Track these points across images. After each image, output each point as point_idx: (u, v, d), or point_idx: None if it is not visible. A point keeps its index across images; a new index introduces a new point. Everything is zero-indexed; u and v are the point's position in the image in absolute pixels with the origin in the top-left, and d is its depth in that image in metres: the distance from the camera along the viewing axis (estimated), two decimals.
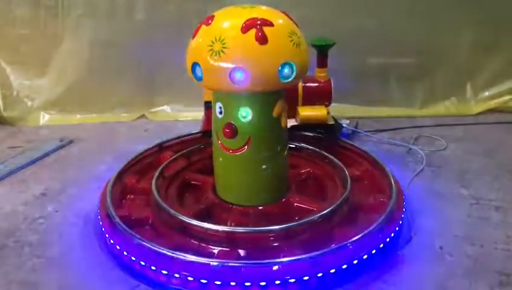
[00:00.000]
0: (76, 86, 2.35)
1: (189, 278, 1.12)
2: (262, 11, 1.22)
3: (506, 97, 2.35)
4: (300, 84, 1.79)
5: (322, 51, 1.80)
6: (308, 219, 1.27)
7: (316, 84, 1.84)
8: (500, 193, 1.57)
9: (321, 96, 1.83)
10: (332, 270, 1.13)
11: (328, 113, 1.79)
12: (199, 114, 2.34)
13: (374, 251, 1.20)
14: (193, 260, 1.13)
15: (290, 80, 1.22)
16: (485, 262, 1.23)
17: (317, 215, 1.28)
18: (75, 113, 2.39)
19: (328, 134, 1.78)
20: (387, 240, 1.25)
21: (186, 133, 1.88)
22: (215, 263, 1.12)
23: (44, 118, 2.37)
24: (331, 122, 1.81)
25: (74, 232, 1.40)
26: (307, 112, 1.78)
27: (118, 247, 1.25)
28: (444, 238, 1.33)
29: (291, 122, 1.71)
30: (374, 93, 2.34)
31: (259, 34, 1.15)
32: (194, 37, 1.25)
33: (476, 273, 1.19)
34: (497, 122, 2.21)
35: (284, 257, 1.14)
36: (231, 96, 1.27)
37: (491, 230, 1.37)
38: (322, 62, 1.82)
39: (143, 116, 2.40)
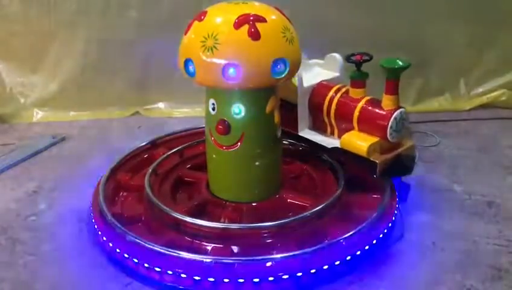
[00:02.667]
0: (70, 83, 2.33)
1: (183, 275, 1.12)
2: (255, 7, 1.21)
3: (499, 92, 2.36)
4: (361, 105, 1.38)
5: (395, 75, 1.31)
6: (302, 215, 1.27)
7: (375, 111, 1.35)
8: (493, 189, 1.57)
9: (374, 126, 1.36)
10: (326, 267, 1.13)
11: (371, 149, 1.33)
12: (193, 111, 2.35)
13: (367, 247, 1.20)
14: (186, 257, 1.13)
15: (282, 76, 1.21)
16: (477, 257, 1.24)
17: (310, 212, 1.28)
18: (68, 110, 2.37)
19: (367, 170, 1.37)
20: (380, 236, 1.25)
21: (179, 130, 1.87)
22: (209, 260, 1.12)
23: (37, 115, 2.35)
24: (375, 159, 1.34)
25: (67, 229, 1.39)
26: (351, 138, 1.38)
27: (110, 244, 1.24)
28: (436, 233, 1.34)
29: (334, 143, 1.43)
30: (368, 90, 2.34)
31: (252, 30, 1.15)
32: (186, 33, 1.24)
33: (468, 268, 1.20)
34: (491, 118, 2.22)
35: (277, 253, 1.15)
36: (224, 92, 1.27)
37: (484, 225, 1.38)
38: (392, 88, 1.32)
39: (136, 113, 2.39)
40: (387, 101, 1.31)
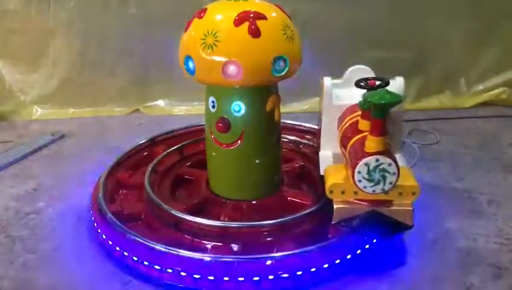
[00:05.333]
0: (69, 80, 2.34)
1: (182, 274, 1.12)
2: (255, 4, 1.21)
3: (500, 90, 2.35)
4: (354, 139, 1.14)
5: (382, 112, 1.03)
6: (302, 213, 1.27)
7: (356, 150, 1.12)
8: (493, 187, 1.57)
9: (350, 168, 1.12)
10: (326, 265, 1.13)
11: (334, 189, 1.14)
12: (192, 108, 2.35)
13: (367, 246, 1.20)
14: (186, 255, 1.13)
15: (283, 73, 1.21)
16: (478, 255, 1.24)
17: (310, 210, 1.27)
18: (68, 107, 2.37)
19: None
20: (381, 234, 1.25)
21: (179, 128, 1.87)
22: (208, 258, 1.12)
23: (37, 112, 2.36)
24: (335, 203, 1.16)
25: (66, 227, 1.39)
26: (331, 170, 1.21)
27: (110, 242, 1.24)
28: (437, 231, 1.33)
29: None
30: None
31: (252, 27, 1.14)
32: (186, 30, 1.24)
33: (469, 266, 1.20)
34: (491, 115, 2.22)
35: (277, 251, 1.14)
36: (224, 90, 1.26)
37: (484, 223, 1.37)
38: (378, 128, 1.04)
39: (137, 110, 2.39)
40: (370, 143, 1.05)
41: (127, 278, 1.18)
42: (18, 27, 2.25)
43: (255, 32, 1.14)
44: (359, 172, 1.06)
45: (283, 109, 1.38)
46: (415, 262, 1.22)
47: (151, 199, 1.35)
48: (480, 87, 2.38)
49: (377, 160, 1.04)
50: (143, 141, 1.74)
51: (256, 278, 1.09)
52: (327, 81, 1.34)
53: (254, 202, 1.36)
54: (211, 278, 1.10)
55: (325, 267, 1.13)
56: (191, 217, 1.25)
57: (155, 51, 2.27)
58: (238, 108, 1.26)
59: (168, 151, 1.66)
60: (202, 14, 1.21)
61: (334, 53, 2.27)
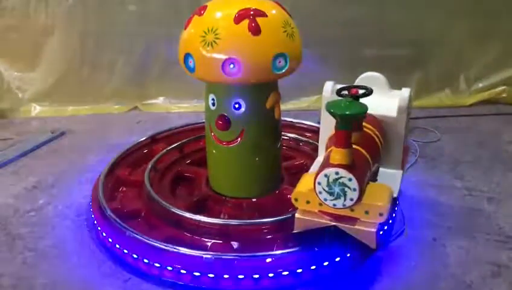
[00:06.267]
0: (68, 77, 2.33)
1: (182, 271, 1.12)
2: (256, 2, 1.20)
3: (500, 88, 2.35)
4: (330, 149, 1.06)
5: (346, 123, 0.97)
6: None
7: (324, 161, 1.06)
8: (493, 185, 1.57)
9: None
10: (326, 263, 1.13)
11: (299, 198, 1.07)
12: (192, 106, 2.34)
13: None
14: (186, 252, 1.13)
15: (283, 71, 1.21)
16: (478, 253, 1.24)
17: None
18: (66, 105, 2.36)
19: None
20: (381, 232, 1.25)
21: (179, 125, 1.86)
22: (208, 256, 1.12)
23: (35, 109, 2.35)
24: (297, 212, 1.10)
25: (66, 225, 1.39)
26: (305, 177, 1.13)
27: (110, 240, 1.24)
28: (437, 229, 1.33)
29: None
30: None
31: (252, 24, 1.14)
32: (186, 27, 1.23)
33: (469, 264, 1.20)
34: (491, 113, 2.21)
35: (277, 249, 1.14)
36: (224, 87, 1.26)
37: (484, 221, 1.37)
38: (342, 140, 0.98)
39: (135, 108, 2.39)
40: (334, 155, 0.98)
41: (126, 275, 1.17)
42: (16, 25, 2.24)
43: (255, 30, 1.14)
44: (319, 183, 1.01)
45: (283, 106, 1.38)
46: (414, 260, 1.22)
47: (151, 197, 1.35)
48: (480, 85, 2.38)
49: (337, 173, 0.98)
50: (143, 139, 1.73)
51: (256, 276, 1.09)
52: (328, 85, 1.31)
53: (254, 200, 1.36)
54: (211, 275, 1.10)
55: (325, 265, 1.13)
56: (191, 214, 1.25)
57: (154, 48, 2.27)
58: (238, 105, 1.25)
59: (168, 148, 1.65)
60: (202, 12, 1.20)
61: (334, 50, 2.27)
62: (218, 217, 1.29)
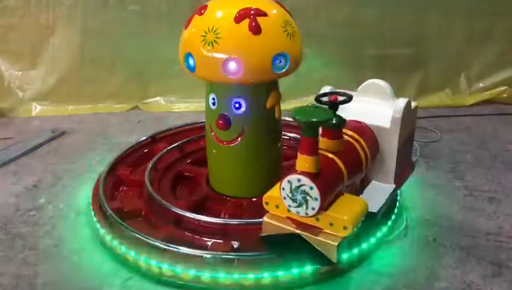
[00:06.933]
0: (69, 76, 2.33)
1: (182, 271, 1.12)
2: (256, 1, 1.20)
3: (500, 88, 2.35)
4: None
5: (312, 130, 0.95)
6: None
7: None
8: (493, 184, 1.57)
9: None
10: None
11: (268, 202, 1.06)
12: (193, 105, 2.34)
13: (367, 244, 1.20)
14: (186, 252, 1.13)
15: (283, 70, 1.21)
16: (478, 253, 1.24)
17: None
18: (67, 104, 2.36)
19: None
20: (381, 231, 1.25)
21: (179, 125, 1.87)
22: (209, 255, 1.12)
23: (36, 109, 2.35)
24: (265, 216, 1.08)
25: (66, 224, 1.39)
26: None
27: (110, 239, 1.24)
28: (437, 229, 1.33)
29: None
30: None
31: (253, 24, 1.14)
32: (186, 27, 1.23)
33: (469, 264, 1.20)
34: (491, 113, 2.21)
35: None
36: (224, 87, 1.26)
37: (484, 221, 1.37)
38: (307, 147, 0.96)
39: (136, 107, 2.39)
40: (299, 161, 0.96)
41: (127, 275, 1.18)
42: (17, 23, 2.24)
43: (256, 29, 1.14)
44: (283, 189, 0.99)
45: (283, 106, 1.38)
46: (415, 259, 1.22)
47: (152, 196, 1.35)
48: (481, 85, 2.37)
49: (299, 180, 0.96)
50: (143, 138, 1.73)
51: (256, 275, 1.09)
52: (325, 89, 1.21)
53: (254, 199, 1.36)
54: (211, 275, 1.10)
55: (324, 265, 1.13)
56: (191, 214, 1.25)
57: (155, 47, 2.26)
58: (239, 105, 1.25)
59: (169, 148, 1.65)
60: (203, 11, 1.20)
61: (335, 50, 2.27)
62: (218, 216, 1.29)
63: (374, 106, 1.18)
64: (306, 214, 0.98)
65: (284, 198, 0.99)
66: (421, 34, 2.27)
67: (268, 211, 1.06)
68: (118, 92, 2.37)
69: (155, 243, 1.15)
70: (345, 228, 0.97)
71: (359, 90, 1.24)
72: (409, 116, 1.17)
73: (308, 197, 0.96)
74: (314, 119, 0.91)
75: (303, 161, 0.95)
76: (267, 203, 1.05)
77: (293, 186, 0.97)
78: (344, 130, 1.10)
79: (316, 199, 0.95)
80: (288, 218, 1.03)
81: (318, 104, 1.00)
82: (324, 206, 0.97)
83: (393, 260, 1.22)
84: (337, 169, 1.03)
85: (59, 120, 2.23)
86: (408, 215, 1.38)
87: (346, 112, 1.10)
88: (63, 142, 2.00)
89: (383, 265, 1.20)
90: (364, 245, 1.19)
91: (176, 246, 1.14)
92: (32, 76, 2.34)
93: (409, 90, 2.34)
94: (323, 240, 0.98)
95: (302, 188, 0.96)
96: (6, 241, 1.31)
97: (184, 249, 1.13)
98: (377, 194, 1.16)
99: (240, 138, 1.29)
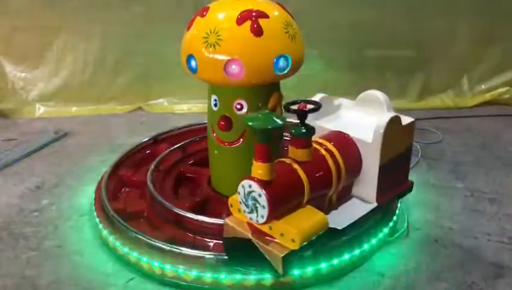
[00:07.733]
0: (72, 78, 2.34)
1: (184, 271, 1.12)
2: (258, 3, 1.21)
3: (502, 90, 2.35)
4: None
5: (265, 137, 0.93)
6: None
7: None
8: (495, 186, 1.57)
9: None
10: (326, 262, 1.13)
11: (232, 206, 1.05)
12: (195, 107, 2.35)
13: (368, 244, 1.20)
14: (188, 252, 1.13)
15: (285, 72, 1.21)
16: (479, 254, 1.24)
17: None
18: (70, 105, 2.37)
19: None
20: (382, 232, 1.25)
21: (181, 126, 1.87)
22: (211, 256, 1.12)
23: (39, 110, 2.36)
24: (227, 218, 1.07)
25: (69, 225, 1.40)
26: None
27: (112, 240, 1.24)
28: (439, 230, 1.34)
29: None
30: (370, 86, 2.33)
31: (255, 26, 1.15)
32: (188, 29, 1.24)
33: (470, 265, 1.20)
34: (493, 114, 2.21)
35: None
36: (226, 88, 1.27)
37: (486, 222, 1.37)
38: (261, 154, 0.94)
39: (139, 108, 2.40)
40: (254, 168, 0.95)
41: (129, 275, 1.18)
42: (22, 25, 2.25)
43: (257, 31, 1.15)
44: (239, 193, 0.99)
45: None
46: (416, 260, 1.22)
47: (154, 197, 1.35)
48: (483, 86, 2.37)
49: (250, 186, 0.95)
50: (146, 139, 1.74)
51: (257, 275, 1.10)
52: (317, 97, 1.18)
53: None
54: (213, 275, 1.11)
55: (324, 265, 1.13)
56: (193, 214, 1.26)
57: (157, 49, 2.27)
58: (240, 106, 1.26)
59: (171, 149, 1.66)
60: (204, 13, 1.21)
61: (337, 52, 2.28)
62: (220, 217, 1.29)
63: (365, 118, 1.15)
64: (257, 221, 0.97)
65: (240, 202, 0.99)
66: (423, 36, 2.27)
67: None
68: (121, 94, 2.38)
69: (157, 243, 1.16)
70: (292, 240, 0.95)
71: (357, 100, 1.22)
72: (397, 132, 1.09)
73: (257, 205, 0.95)
74: (267, 126, 0.90)
75: (256, 168, 0.94)
76: (231, 206, 1.04)
77: (246, 192, 0.97)
78: (321, 141, 1.08)
79: (263, 207, 0.94)
80: (248, 223, 1.01)
81: (270, 111, 0.98)
82: (275, 215, 0.96)
83: (394, 260, 1.22)
84: (296, 180, 1.00)
85: (62, 121, 2.23)
86: (409, 216, 1.38)
87: (335, 122, 1.08)
88: (66, 144, 2.01)
89: (384, 266, 1.20)
90: (365, 246, 1.19)
91: (178, 247, 1.14)
92: (36, 77, 2.35)
93: (411, 92, 2.35)
94: (271, 249, 0.96)
95: (253, 194, 0.95)
96: (9, 242, 1.32)
97: (186, 250, 1.14)
98: (351, 211, 1.11)
99: (241, 139, 1.29)
